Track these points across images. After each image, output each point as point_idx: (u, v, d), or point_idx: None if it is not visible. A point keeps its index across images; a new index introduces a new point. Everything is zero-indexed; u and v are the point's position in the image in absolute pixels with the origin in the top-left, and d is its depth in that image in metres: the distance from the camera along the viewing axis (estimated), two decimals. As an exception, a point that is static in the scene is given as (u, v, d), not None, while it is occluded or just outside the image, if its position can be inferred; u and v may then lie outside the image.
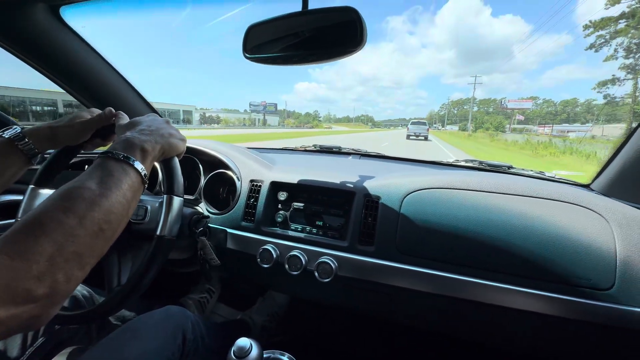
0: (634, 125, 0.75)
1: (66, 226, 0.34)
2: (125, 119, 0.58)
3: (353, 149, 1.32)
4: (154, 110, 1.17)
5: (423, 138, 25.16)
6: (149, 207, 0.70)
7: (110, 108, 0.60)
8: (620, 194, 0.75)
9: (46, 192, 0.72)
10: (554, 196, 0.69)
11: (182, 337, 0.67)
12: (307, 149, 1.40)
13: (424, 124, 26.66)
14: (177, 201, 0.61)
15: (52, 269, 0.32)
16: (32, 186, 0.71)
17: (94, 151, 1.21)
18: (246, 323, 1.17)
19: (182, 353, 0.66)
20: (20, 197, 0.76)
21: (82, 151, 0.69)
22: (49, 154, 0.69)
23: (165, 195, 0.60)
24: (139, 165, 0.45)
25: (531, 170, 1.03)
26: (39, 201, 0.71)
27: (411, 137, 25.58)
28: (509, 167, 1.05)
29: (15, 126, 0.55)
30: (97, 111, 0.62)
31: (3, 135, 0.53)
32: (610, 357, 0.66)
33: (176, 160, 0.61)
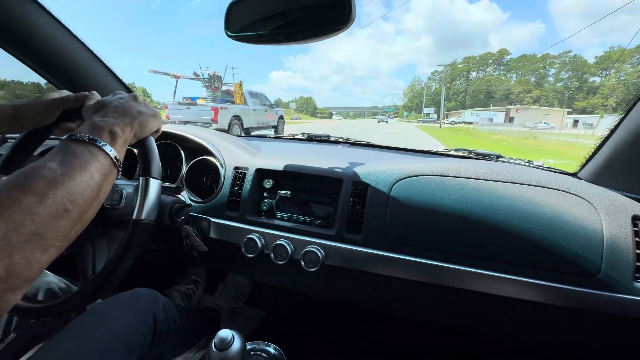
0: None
1: (23, 204, 0.31)
2: (96, 98, 0.53)
3: (342, 138, 1.30)
4: (125, 87, 1.11)
5: (385, 122, 52.31)
6: (124, 192, 0.65)
7: (85, 92, 0.55)
8: (608, 182, 0.75)
9: None
10: (542, 183, 0.69)
11: (152, 318, 0.65)
12: (295, 137, 1.37)
13: (386, 115, 57.21)
14: (154, 183, 0.55)
15: (8, 248, 0.29)
16: None
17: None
18: (214, 309, 1.18)
19: (154, 334, 0.65)
20: None
21: (53, 136, 0.63)
22: (14, 139, 0.64)
23: (141, 178, 0.55)
24: (107, 148, 0.42)
25: (520, 159, 1.03)
26: None
27: (380, 122, 51.95)
28: (498, 156, 1.05)
29: None
30: (67, 93, 0.57)
31: None
32: (599, 344, 0.67)
33: (151, 140, 0.56)
